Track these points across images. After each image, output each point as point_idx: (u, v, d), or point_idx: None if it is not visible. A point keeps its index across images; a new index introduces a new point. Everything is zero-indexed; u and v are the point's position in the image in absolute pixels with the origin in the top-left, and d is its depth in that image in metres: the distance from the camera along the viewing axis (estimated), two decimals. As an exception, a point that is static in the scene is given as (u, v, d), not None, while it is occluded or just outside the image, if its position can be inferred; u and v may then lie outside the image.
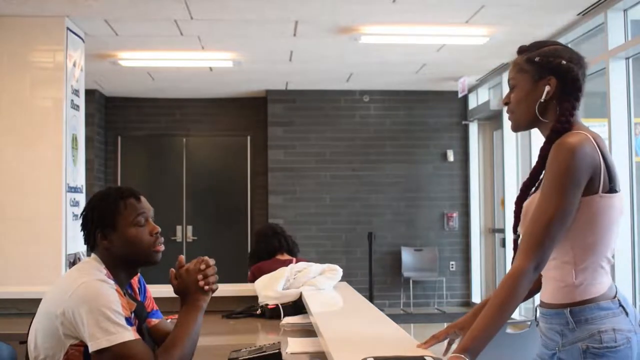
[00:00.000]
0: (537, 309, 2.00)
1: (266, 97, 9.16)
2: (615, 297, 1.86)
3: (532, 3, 5.57)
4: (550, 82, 1.90)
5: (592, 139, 1.82)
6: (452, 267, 9.16)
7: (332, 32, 6.29)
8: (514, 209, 1.97)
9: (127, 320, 1.80)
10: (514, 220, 1.97)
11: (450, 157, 9.19)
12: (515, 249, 1.95)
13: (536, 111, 1.91)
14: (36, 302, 1.88)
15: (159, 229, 1.99)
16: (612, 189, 1.83)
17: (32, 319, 1.93)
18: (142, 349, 1.80)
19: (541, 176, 1.91)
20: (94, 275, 1.85)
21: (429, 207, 9.17)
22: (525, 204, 1.94)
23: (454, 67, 7.88)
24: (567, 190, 1.77)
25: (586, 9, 5.66)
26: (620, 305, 1.85)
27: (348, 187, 9.09)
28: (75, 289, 1.80)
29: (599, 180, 1.80)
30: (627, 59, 5.54)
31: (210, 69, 7.72)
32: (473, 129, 9.21)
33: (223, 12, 5.67)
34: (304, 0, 5.44)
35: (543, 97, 1.90)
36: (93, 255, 1.97)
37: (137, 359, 1.78)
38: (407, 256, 9.05)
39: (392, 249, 9.08)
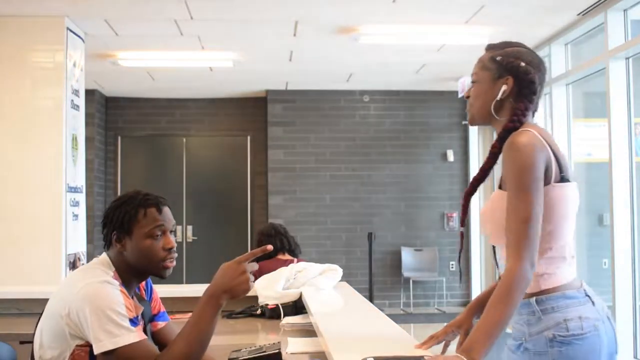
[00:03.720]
0: None
1: (266, 97, 9.17)
2: (581, 287, 1.89)
3: (532, 3, 5.57)
4: (507, 82, 1.97)
5: (537, 134, 1.88)
6: (452, 267, 9.16)
7: (332, 32, 6.29)
8: (461, 202, 2.07)
9: (132, 321, 1.80)
10: (462, 213, 2.06)
11: (450, 157, 9.20)
12: (462, 241, 2.08)
13: (492, 109, 1.98)
14: (36, 302, 1.88)
15: (174, 245, 1.98)
16: (563, 178, 1.88)
17: (34, 319, 1.93)
18: (146, 350, 1.79)
19: (491, 172, 2.02)
20: (99, 277, 1.85)
21: (429, 207, 9.17)
22: (486, 207, 1.99)
23: (454, 67, 7.88)
24: (532, 185, 1.82)
25: (586, 9, 5.66)
26: (587, 295, 1.88)
27: (348, 187, 9.09)
28: (79, 290, 1.80)
29: (551, 171, 1.86)
30: (627, 59, 5.53)
31: (210, 69, 7.72)
32: (473, 129, 9.21)
33: (223, 12, 5.67)
34: (304, 0, 5.44)
35: (499, 95, 1.97)
36: (104, 254, 1.97)
37: None
38: (407, 256, 9.05)
39: (392, 249, 9.08)
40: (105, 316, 1.75)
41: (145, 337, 1.83)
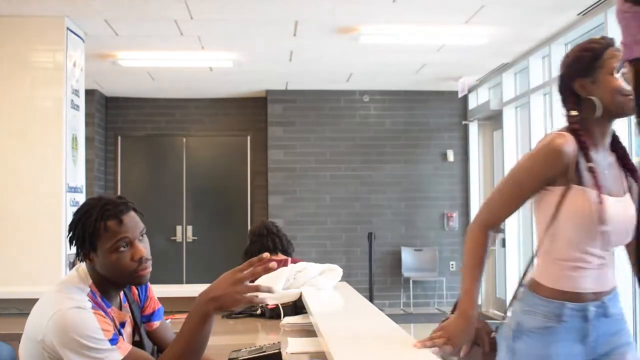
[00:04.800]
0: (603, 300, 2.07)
1: (266, 97, 9.16)
2: None
3: (532, 3, 5.57)
4: None
5: None
6: (452, 267, 9.16)
7: (332, 32, 6.29)
8: None
9: (112, 339, 1.75)
10: None
11: (450, 157, 9.19)
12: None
13: None
14: (36, 302, 1.87)
15: (143, 254, 1.85)
16: None
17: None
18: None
19: None
20: (70, 301, 1.77)
21: (429, 207, 9.17)
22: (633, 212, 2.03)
23: (454, 67, 7.88)
24: None
25: (586, 9, 5.66)
26: None
27: (348, 187, 9.09)
28: (50, 318, 1.74)
29: None
30: (627, 59, 5.52)
31: (210, 69, 7.72)
32: (473, 129, 9.21)
33: (223, 12, 5.67)
34: (304, 0, 5.44)
35: None
36: (83, 265, 1.92)
37: None
38: (407, 256, 9.05)
39: (392, 249, 9.08)
40: (81, 345, 1.71)
41: (130, 347, 1.80)
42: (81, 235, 1.84)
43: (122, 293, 1.99)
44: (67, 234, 1.90)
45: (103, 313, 1.81)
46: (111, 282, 1.89)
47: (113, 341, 1.75)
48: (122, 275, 1.85)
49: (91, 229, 1.82)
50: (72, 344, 1.70)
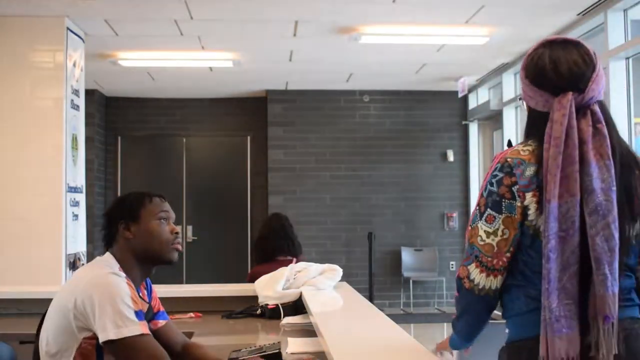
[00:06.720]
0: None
1: (266, 97, 9.17)
2: None
3: (532, 3, 5.57)
4: None
5: None
6: (452, 267, 9.16)
7: (332, 32, 6.29)
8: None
9: (136, 313, 1.83)
10: None
11: (450, 157, 9.20)
12: None
13: None
14: (36, 302, 1.89)
15: (179, 230, 2.11)
16: None
17: (34, 319, 1.94)
18: (150, 345, 1.83)
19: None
20: (106, 269, 1.90)
21: (429, 207, 9.17)
22: None
23: (454, 67, 7.88)
24: None
25: (586, 9, 5.66)
26: None
27: (348, 187, 9.09)
28: (87, 280, 1.85)
29: None
30: (627, 59, 5.54)
31: (210, 69, 7.72)
32: (473, 129, 9.21)
33: (223, 12, 5.68)
34: (304, 0, 5.44)
35: None
36: (107, 253, 2.01)
37: (144, 354, 1.80)
38: (407, 256, 9.05)
39: (392, 249, 9.08)
40: (111, 305, 1.78)
41: (149, 333, 1.86)
42: (127, 207, 2.02)
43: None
44: (106, 213, 2.06)
45: (133, 286, 1.92)
46: (142, 260, 2.00)
47: (139, 316, 1.84)
48: (160, 243, 2.01)
49: (139, 201, 2.04)
50: (104, 302, 1.79)
